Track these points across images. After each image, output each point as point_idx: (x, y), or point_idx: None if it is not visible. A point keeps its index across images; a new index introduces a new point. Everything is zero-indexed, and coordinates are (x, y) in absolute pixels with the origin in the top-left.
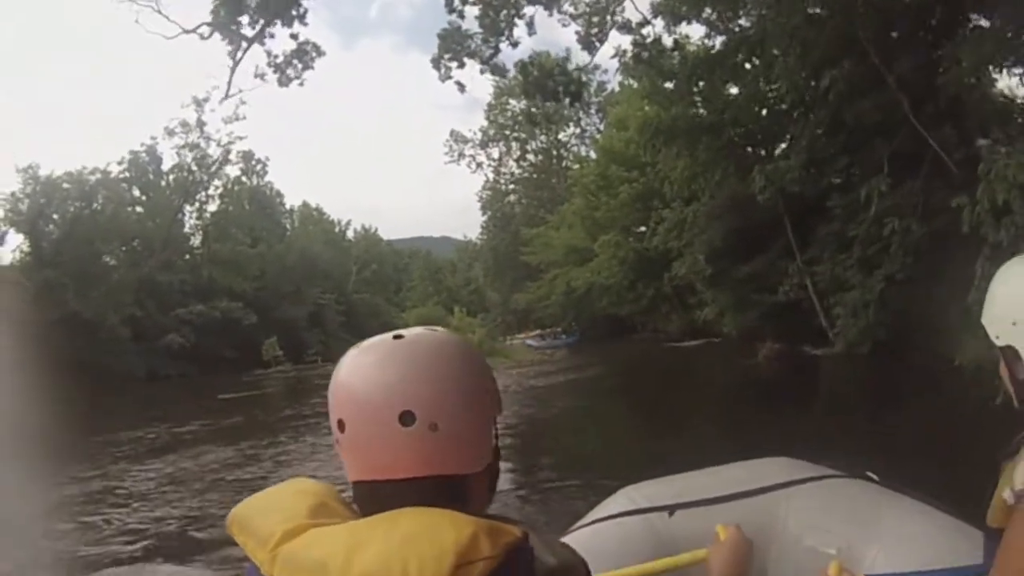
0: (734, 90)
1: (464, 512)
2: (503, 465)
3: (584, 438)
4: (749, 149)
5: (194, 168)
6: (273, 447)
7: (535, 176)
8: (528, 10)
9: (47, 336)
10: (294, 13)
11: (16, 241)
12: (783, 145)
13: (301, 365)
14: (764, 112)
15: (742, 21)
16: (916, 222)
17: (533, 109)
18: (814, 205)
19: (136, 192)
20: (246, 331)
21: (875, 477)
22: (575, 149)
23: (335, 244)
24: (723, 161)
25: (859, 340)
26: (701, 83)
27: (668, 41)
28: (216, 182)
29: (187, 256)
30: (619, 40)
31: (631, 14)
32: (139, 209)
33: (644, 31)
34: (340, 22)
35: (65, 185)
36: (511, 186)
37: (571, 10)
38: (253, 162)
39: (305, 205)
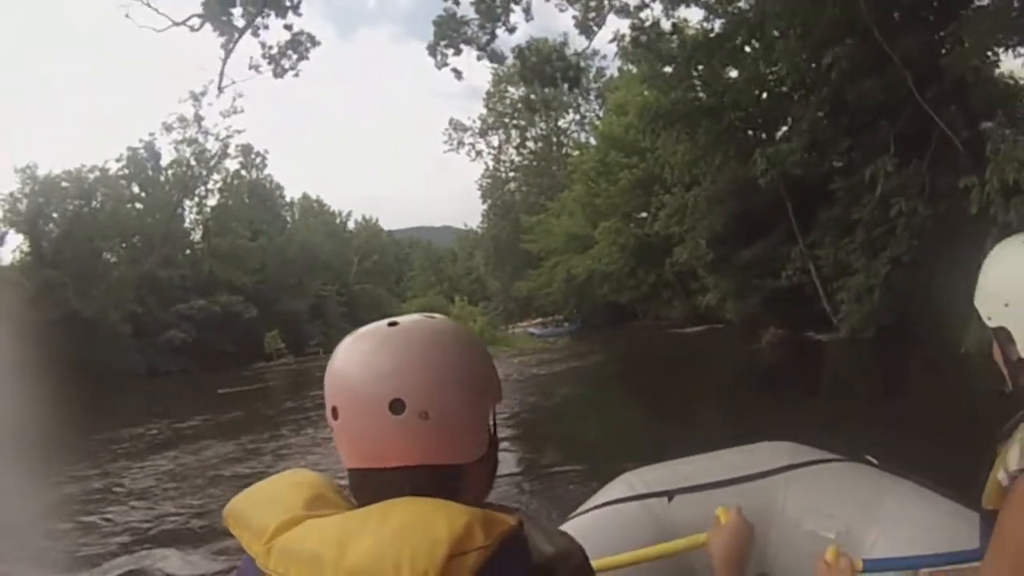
0: (734, 73)
1: (460, 501)
2: (507, 452)
3: (586, 425)
4: (750, 133)
5: (193, 163)
6: (273, 440)
7: (535, 163)
8: None
9: (48, 336)
10: (287, 3)
11: (16, 241)
12: (784, 128)
13: (302, 357)
14: (764, 95)
15: (741, 3)
16: (923, 203)
17: (532, 96)
18: (816, 189)
19: (135, 189)
20: (247, 325)
21: (874, 461)
22: (575, 136)
23: (336, 235)
24: (723, 145)
25: (863, 325)
26: (700, 67)
27: (666, 25)
28: (215, 176)
29: (187, 251)
30: (617, 24)
31: None
32: (138, 206)
33: (642, 15)
34: (336, 12)
35: (64, 184)
36: (511, 174)
37: None
38: (252, 155)
39: (305, 197)
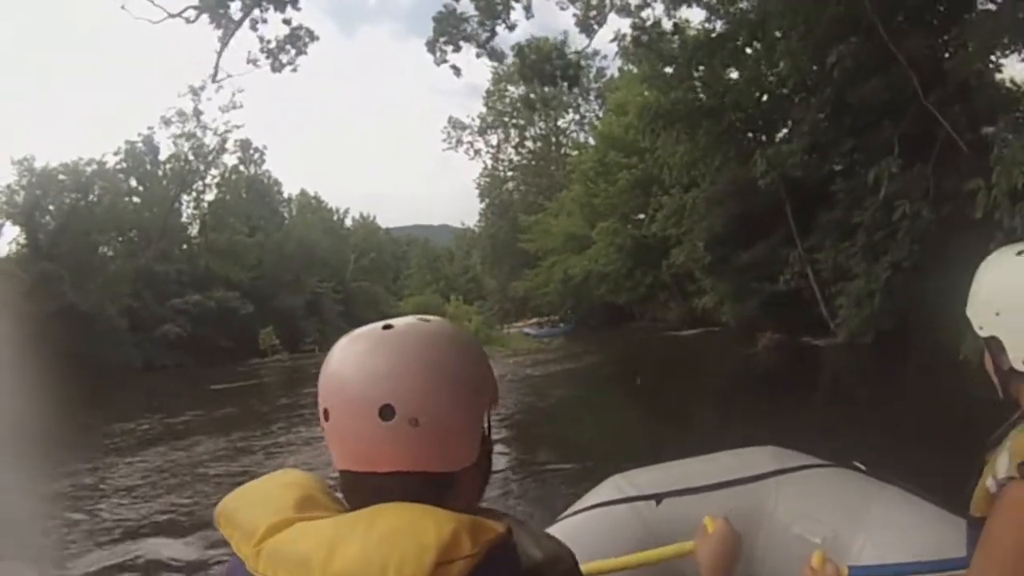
0: (735, 75)
1: (450, 507)
2: (500, 453)
3: (580, 427)
4: (750, 135)
5: (191, 157)
6: (266, 438)
7: (534, 163)
8: None
9: (44, 329)
10: None
11: (12, 233)
12: (784, 131)
13: (298, 354)
14: (765, 97)
15: (743, 4)
16: (927, 206)
17: (531, 95)
18: (816, 191)
19: (133, 182)
20: (243, 320)
21: (863, 467)
22: (574, 136)
23: (333, 233)
24: (723, 146)
25: (862, 330)
26: (701, 67)
27: (668, 25)
28: (213, 171)
29: (184, 246)
30: (618, 24)
31: None
32: (136, 200)
33: (643, 14)
34: (338, 8)
35: (61, 177)
36: (510, 173)
37: None
38: (251, 151)
39: (303, 193)
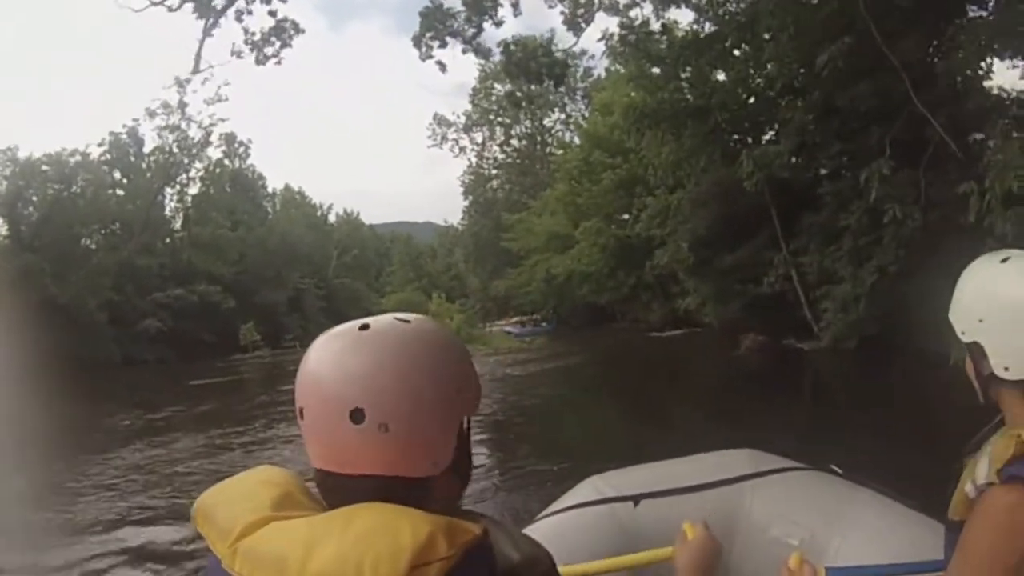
0: (722, 77)
1: (427, 509)
2: (481, 452)
3: (562, 427)
4: (736, 136)
5: (175, 150)
6: (244, 435)
7: (519, 161)
8: None
9: (24, 321)
10: None
11: None
12: (771, 133)
13: (278, 350)
14: (752, 100)
15: (731, 7)
16: (918, 210)
17: (517, 93)
18: (802, 194)
19: (117, 175)
20: (225, 315)
21: (839, 470)
22: (560, 135)
23: (317, 228)
24: (709, 147)
25: (847, 334)
26: (688, 68)
27: (656, 25)
28: (197, 164)
29: (167, 240)
30: (606, 23)
31: None
32: (119, 192)
33: (632, 13)
34: (327, 4)
35: (44, 167)
36: (494, 171)
37: None
38: (236, 144)
39: (287, 188)
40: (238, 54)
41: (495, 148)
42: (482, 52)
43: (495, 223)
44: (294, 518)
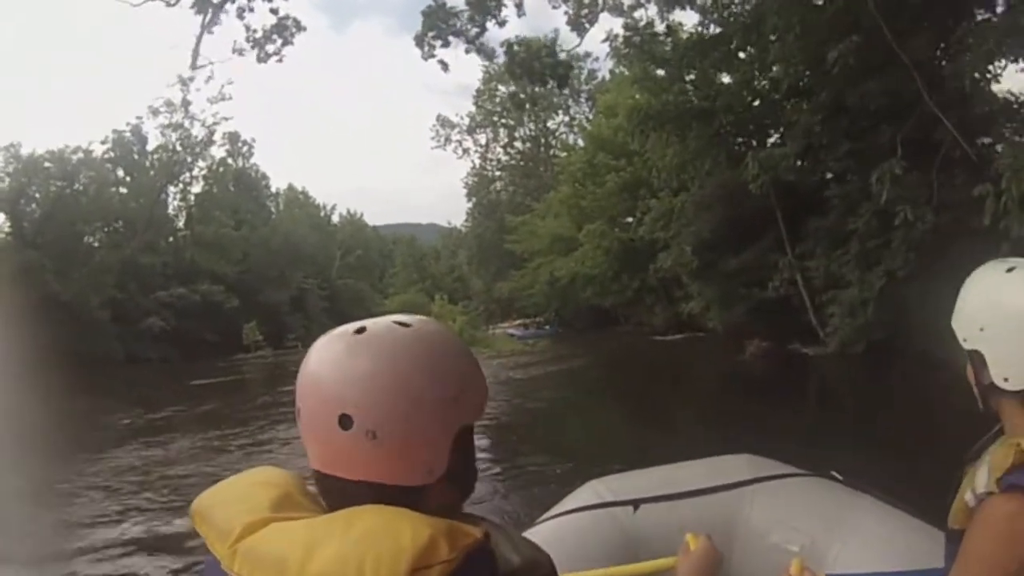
0: (727, 79)
1: (427, 511)
2: (484, 454)
3: (565, 429)
4: (741, 139)
5: (179, 148)
6: (244, 436)
7: (522, 163)
8: None
9: (26, 318)
10: None
11: None
12: (776, 136)
13: (281, 350)
14: (757, 102)
15: (735, 8)
16: (931, 211)
17: (521, 95)
18: (809, 197)
19: (120, 172)
20: (228, 315)
21: (839, 477)
22: (564, 137)
23: (320, 228)
24: (713, 149)
25: (854, 339)
26: (693, 72)
27: (660, 27)
28: (201, 163)
29: (170, 238)
30: (610, 24)
31: None
32: (122, 190)
33: (636, 14)
34: (331, 3)
35: (47, 164)
36: (498, 173)
37: None
38: (239, 143)
39: (291, 188)
40: (239, 51)
41: (499, 150)
42: (485, 52)
43: (499, 225)
44: (294, 519)
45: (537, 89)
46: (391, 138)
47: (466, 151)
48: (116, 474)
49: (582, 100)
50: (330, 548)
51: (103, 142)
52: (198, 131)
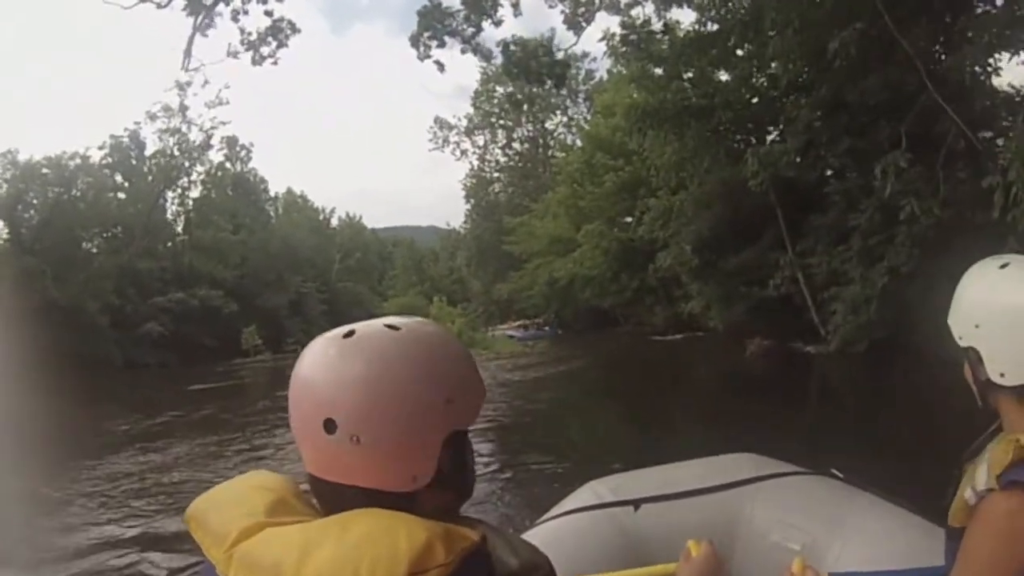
0: (725, 77)
1: (422, 514)
2: (483, 455)
3: (565, 430)
4: (739, 136)
5: (176, 153)
6: (242, 442)
7: (520, 165)
8: None
9: (25, 324)
10: None
11: None
12: (775, 133)
13: (280, 354)
14: (755, 100)
15: (733, 4)
16: (937, 204)
17: (519, 96)
18: (809, 193)
19: (118, 178)
20: (226, 319)
21: (840, 475)
22: (562, 138)
23: (319, 232)
24: (712, 147)
25: (856, 337)
26: (691, 70)
27: (658, 25)
28: (199, 168)
29: (168, 243)
30: (607, 23)
31: None
32: (120, 195)
33: (633, 12)
34: (330, 6)
35: (44, 170)
36: (496, 174)
37: None
38: (237, 148)
39: (289, 192)
40: (234, 54)
41: (497, 151)
42: (481, 52)
43: (497, 226)
44: (289, 524)
45: (535, 89)
46: (390, 141)
47: (464, 153)
48: (113, 479)
49: (580, 100)
50: (326, 553)
51: (101, 148)
52: (196, 136)
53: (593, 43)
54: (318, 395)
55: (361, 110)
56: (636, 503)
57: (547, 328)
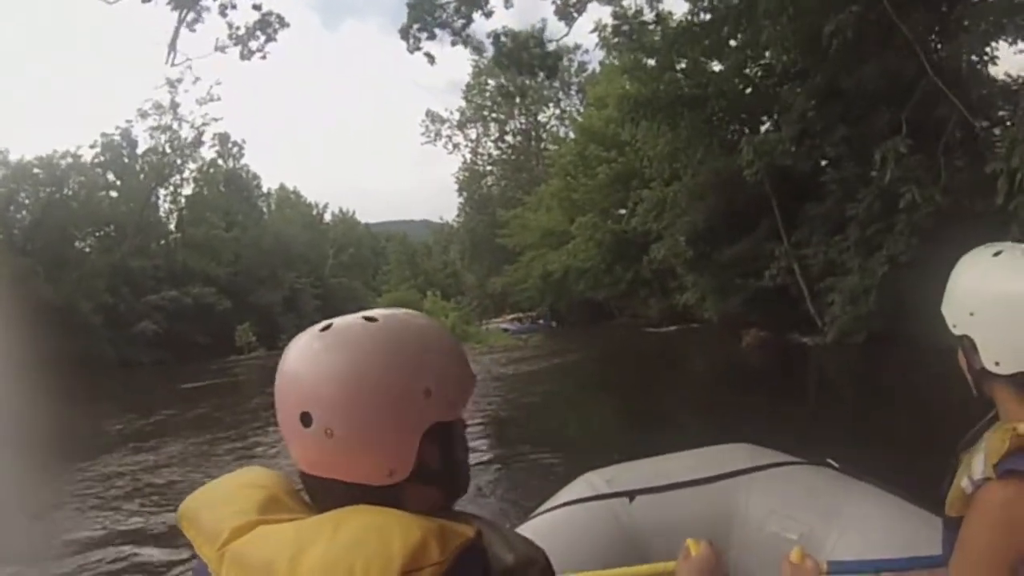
0: (718, 67)
1: (415, 511)
2: (477, 448)
3: (559, 423)
4: (734, 127)
5: (168, 150)
6: (236, 440)
7: (513, 157)
8: None
9: (18, 323)
10: None
11: None
12: (769, 123)
13: (275, 351)
14: (749, 89)
15: None
16: (938, 191)
17: (511, 88)
18: (805, 183)
19: (110, 176)
20: (220, 316)
21: (836, 464)
22: (554, 130)
23: (312, 228)
24: (706, 137)
25: (853, 328)
26: (684, 60)
27: (650, 15)
28: (191, 165)
29: (161, 241)
30: (599, 13)
31: None
32: (112, 194)
33: (625, 3)
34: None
35: (36, 170)
36: (489, 167)
37: None
38: (229, 144)
39: (282, 188)
40: (222, 49)
41: (489, 144)
42: (472, 44)
43: (490, 220)
44: (282, 521)
45: (527, 81)
46: (383, 136)
47: (456, 146)
48: (107, 478)
49: (572, 92)
50: (319, 551)
51: (92, 146)
52: (187, 133)
53: (585, 34)
54: (295, 389)
55: (354, 106)
56: (631, 494)
57: (541, 321)
